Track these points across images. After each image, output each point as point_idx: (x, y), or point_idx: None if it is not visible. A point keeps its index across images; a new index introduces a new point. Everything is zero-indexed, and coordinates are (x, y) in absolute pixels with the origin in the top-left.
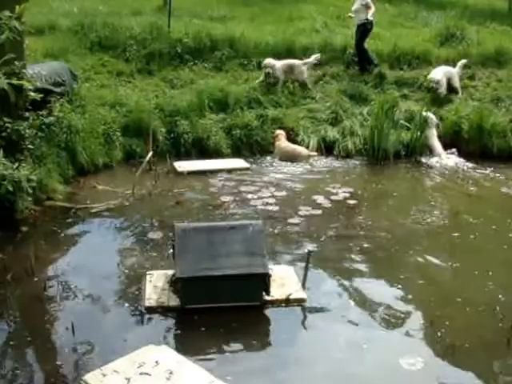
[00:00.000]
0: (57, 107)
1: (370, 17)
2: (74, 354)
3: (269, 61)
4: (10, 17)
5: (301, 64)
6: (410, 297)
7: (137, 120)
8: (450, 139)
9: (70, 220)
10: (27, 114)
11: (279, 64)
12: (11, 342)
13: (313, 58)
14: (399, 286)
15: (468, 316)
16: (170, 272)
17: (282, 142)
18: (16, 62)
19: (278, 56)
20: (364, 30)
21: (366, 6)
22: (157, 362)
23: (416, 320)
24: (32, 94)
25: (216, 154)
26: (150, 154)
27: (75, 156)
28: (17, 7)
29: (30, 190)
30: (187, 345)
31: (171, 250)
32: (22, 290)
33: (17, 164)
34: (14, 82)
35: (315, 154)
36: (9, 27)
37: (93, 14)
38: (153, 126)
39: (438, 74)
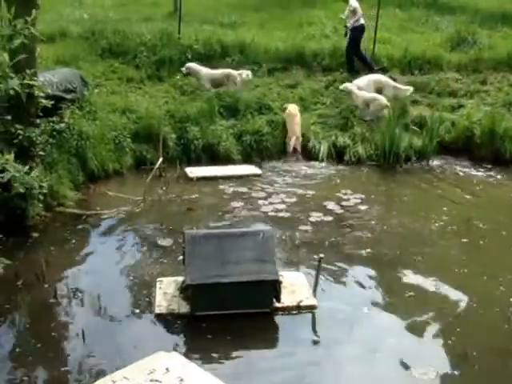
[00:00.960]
0: (68, 114)
1: (349, 24)
2: (85, 360)
3: (189, 65)
4: (25, 22)
5: (236, 75)
6: (421, 304)
7: (147, 126)
8: (462, 144)
9: (80, 226)
10: (38, 120)
11: (205, 71)
12: (22, 348)
13: (245, 75)
14: (411, 293)
15: (479, 322)
16: (180, 279)
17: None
18: (27, 70)
19: (289, 62)
20: (351, 35)
21: (353, 12)
22: (167, 368)
23: (427, 327)
24: (43, 101)
25: (226, 159)
26: (161, 160)
27: (86, 162)
28: (33, 11)
29: (41, 197)
30: (197, 352)
31: (181, 257)
32: (33, 296)
33: (27, 167)
34: (26, 81)
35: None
36: (23, 34)
37: (103, 21)
38: (163, 132)
39: (362, 81)
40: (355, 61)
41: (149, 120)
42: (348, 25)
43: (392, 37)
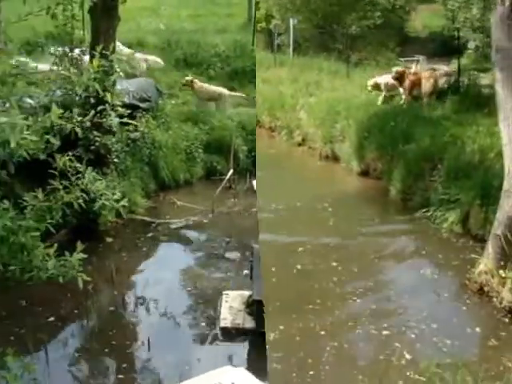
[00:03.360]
0: (143, 123)
1: None
2: (149, 369)
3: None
4: (119, 59)
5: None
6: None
7: (219, 137)
8: None
9: (150, 234)
10: (115, 128)
11: None
12: (88, 353)
13: None
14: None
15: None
16: (247, 293)
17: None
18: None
19: None
20: None
21: None
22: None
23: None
24: (120, 109)
25: None
26: (231, 171)
27: (157, 171)
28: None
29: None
30: (262, 369)
31: (246, 271)
32: (102, 302)
33: (119, 195)
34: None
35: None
36: (116, 70)
37: (179, 32)
38: (235, 143)
39: None
40: None
41: (221, 131)
42: None
43: None
